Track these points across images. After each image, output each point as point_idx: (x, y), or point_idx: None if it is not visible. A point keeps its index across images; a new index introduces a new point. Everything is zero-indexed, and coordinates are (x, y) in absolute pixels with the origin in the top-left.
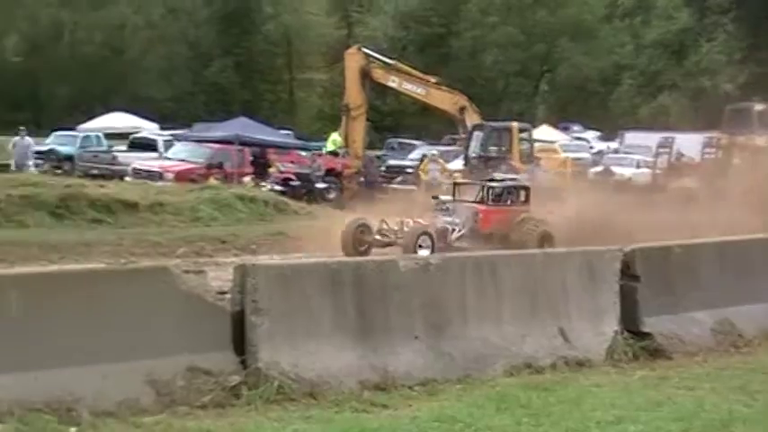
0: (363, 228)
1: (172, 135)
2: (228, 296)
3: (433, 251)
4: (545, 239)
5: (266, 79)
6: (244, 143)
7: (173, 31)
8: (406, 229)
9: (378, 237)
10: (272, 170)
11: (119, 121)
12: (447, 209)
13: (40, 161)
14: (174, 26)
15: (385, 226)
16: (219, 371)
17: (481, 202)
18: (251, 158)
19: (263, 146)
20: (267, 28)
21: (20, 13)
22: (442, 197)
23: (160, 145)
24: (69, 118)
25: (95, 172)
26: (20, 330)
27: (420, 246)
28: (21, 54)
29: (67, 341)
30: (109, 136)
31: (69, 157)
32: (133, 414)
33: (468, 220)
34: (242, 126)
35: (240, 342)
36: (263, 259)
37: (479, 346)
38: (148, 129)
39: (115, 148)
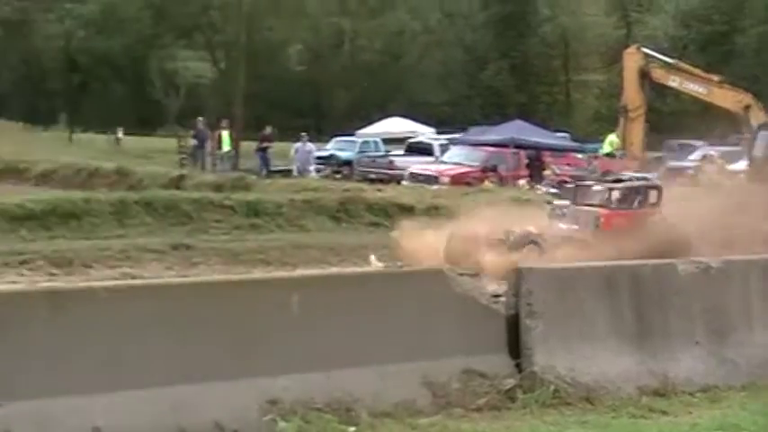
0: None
1: (447, 139)
2: (503, 299)
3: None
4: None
5: (542, 81)
6: (519, 146)
7: (449, 36)
8: (511, 238)
9: (485, 248)
10: (547, 173)
11: (396, 125)
12: (564, 214)
13: (320, 166)
14: (450, 30)
15: (493, 236)
16: (494, 374)
17: (604, 205)
18: (526, 161)
19: (539, 149)
20: (544, 30)
21: (302, 23)
22: (558, 202)
23: (436, 149)
24: (349, 124)
25: (373, 176)
26: (301, 332)
27: (527, 257)
28: (303, 63)
29: (346, 342)
30: (386, 141)
31: (348, 162)
32: (410, 415)
33: (588, 225)
34: (517, 129)
35: (515, 345)
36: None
37: (766, 353)
38: (424, 133)
39: (392, 152)
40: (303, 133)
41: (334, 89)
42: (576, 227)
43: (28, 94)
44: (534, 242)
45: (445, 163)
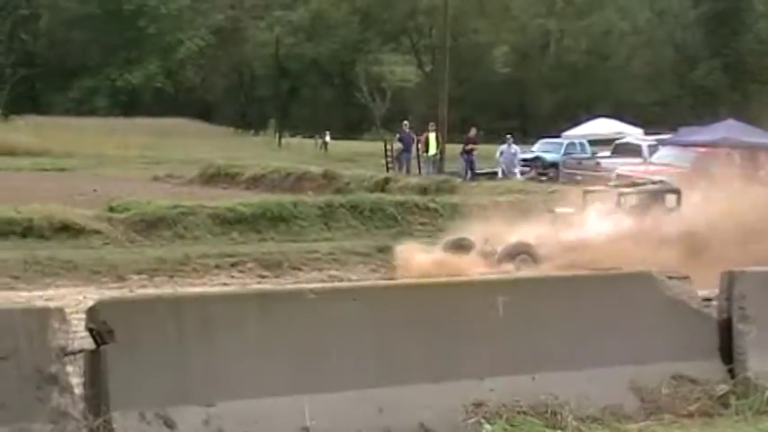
0: (462, 247)
1: (656, 140)
2: (714, 303)
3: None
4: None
5: (757, 80)
6: (732, 146)
7: (659, 35)
8: (500, 249)
9: (477, 258)
10: (761, 173)
11: (602, 127)
12: (568, 222)
13: (526, 168)
14: (660, 30)
15: (488, 248)
16: (706, 379)
17: (616, 211)
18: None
19: (753, 148)
20: (759, 27)
21: (508, 26)
22: (560, 209)
23: (644, 150)
24: (555, 125)
25: (579, 178)
26: (506, 334)
27: (518, 268)
28: (508, 64)
29: (551, 345)
30: (593, 142)
31: (554, 164)
32: (617, 420)
33: (599, 234)
34: (729, 129)
35: (727, 350)
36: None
37: None
38: (632, 134)
39: (599, 154)
40: (508, 135)
41: (540, 91)
42: (583, 236)
43: (239, 100)
44: (528, 253)
45: (654, 164)
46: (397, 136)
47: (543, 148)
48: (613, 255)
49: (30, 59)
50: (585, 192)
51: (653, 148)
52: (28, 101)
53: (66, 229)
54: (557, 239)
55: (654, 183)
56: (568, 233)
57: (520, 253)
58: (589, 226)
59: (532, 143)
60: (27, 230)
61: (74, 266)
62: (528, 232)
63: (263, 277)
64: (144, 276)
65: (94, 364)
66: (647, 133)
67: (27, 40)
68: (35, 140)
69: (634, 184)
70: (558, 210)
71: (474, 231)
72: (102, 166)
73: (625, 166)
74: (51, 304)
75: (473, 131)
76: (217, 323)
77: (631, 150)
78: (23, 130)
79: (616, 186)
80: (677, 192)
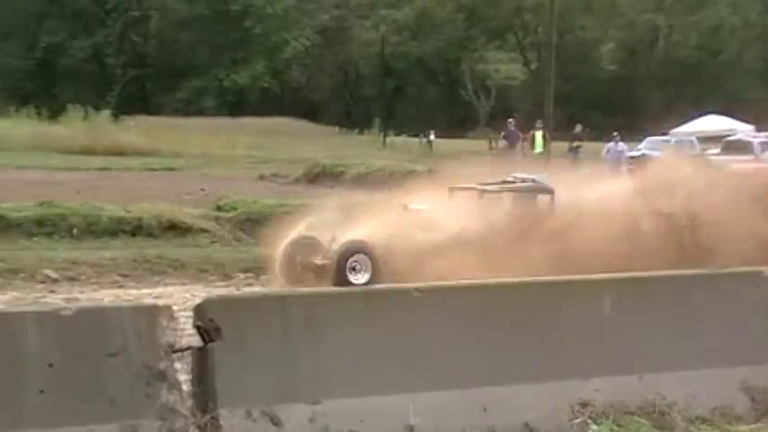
0: (306, 246)
1: None
2: None
3: (374, 276)
4: None
5: None
6: None
7: None
8: (335, 246)
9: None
10: None
11: (712, 123)
12: (416, 221)
13: (632, 167)
14: None
15: (336, 247)
16: None
17: (473, 211)
18: None
19: None
20: None
21: (616, 22)
22: (413, 206)
23: (755, 147)
24: (663, 122)
25: None
26: (613, 334)
27: (353, 269)
28: (615, 61)
29: (659, 344)
30: (703, 139)
31: None
32: (727, 422)
33: (438, 235)
34: None
35: None
36: None
37: None
38: (743, 131)
39: (708, 151)
40: (615, 133)
41: (648, 87)
42: (423, 234)
43: (344, 99)
44: (364, 252)
45: (765, 161)
46: (502, 134)
47: (650, 146)
48: (437, 261)
49: (140, 60)
50: (451, 189)
51: (764, 145)
52: (138, 101)
53: (174, 228)
54: (400, 239)
55: (524, 182)
56: (412, 233)
57: (355, 252)
58: (434, 226)
59: (640, 140)
60: (136, 229)
61: (181, 265)
62: (377, 230)
63: None
64: (250, 274)
65: (202, 362)
66: (758, 130)
67: (137, 41)
68: (145, 140)
69: (503, 182)
70: (411, 206)
71: (322, 229)
72: (209, 165)
73: (735, 163)
74: (160, 302)
75: (578, 127)
76: (322, 321)
77: (741, 147)
78: (133, 130)
79: (479, 184)
80: (550, 191)
